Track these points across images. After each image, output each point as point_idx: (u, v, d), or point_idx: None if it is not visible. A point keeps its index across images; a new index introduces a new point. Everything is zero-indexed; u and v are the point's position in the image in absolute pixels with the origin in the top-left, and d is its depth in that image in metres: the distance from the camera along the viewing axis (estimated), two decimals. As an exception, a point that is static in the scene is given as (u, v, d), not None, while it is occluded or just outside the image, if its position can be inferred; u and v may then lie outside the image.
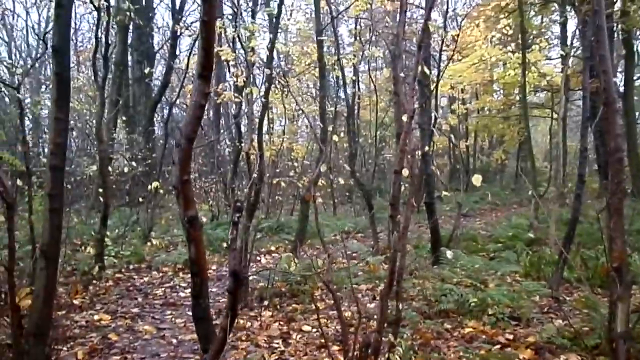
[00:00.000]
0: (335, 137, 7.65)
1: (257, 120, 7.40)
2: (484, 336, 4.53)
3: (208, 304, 2.25)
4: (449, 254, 5.80)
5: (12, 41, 21.75)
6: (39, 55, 16.28)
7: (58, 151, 3.77)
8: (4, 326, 4.23)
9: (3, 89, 12.68)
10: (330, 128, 8.59)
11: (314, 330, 4.89)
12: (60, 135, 3.78)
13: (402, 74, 9.65)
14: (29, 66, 16.15)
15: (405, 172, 3.69)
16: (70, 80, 3.89)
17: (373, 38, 13.14)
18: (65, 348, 4.30)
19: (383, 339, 3.50)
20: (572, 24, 14.07)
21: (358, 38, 13.18)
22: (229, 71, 14.58)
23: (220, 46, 11.85)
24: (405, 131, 3.39)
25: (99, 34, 7.87)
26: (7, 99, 18.65)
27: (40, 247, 3.77)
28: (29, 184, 5.63)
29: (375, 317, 4.86)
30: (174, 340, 4.71)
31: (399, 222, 3.55)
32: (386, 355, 3.57)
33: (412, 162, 4.08)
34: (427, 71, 5.73)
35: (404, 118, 3.61)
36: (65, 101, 3.81)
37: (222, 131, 18.21)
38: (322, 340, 4.60)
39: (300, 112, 17.59)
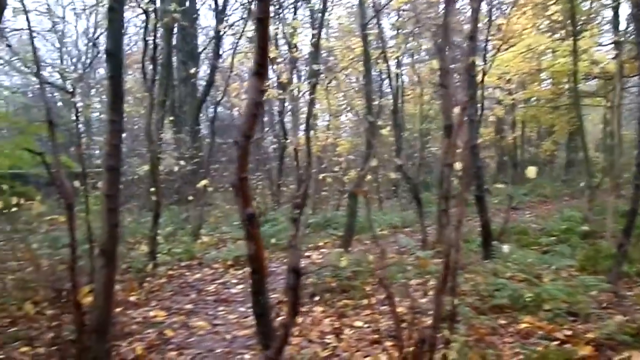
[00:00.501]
0: (384, 131, 7.60)
1: (302, 116, 7.42)
2: (540, 332, 4.42)
3: (267, 301, 2.27)
4: (505, 248, 5.67)
5: (62, 47, 22.47)
6: (90, 60, 16.79)
7: (114, 152, 3.87)
8: (66, 323, 4.38)
9: (56, 93, 13.17)
10: (378, 122, 8.54)
11: (366, 325, 4.88)
12: (116, 137, 3.87)
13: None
14: (79, 71, 16.66)
15: (457, 165, 3.63)
16: (123, 83, 3.98)
17: (416, 30, 12.99)
18: (124, 344, 4.41)
19: (438, 334, 3.46)
20: (625, 8, 13.55)
21: (401, 31, 13.04)
22: (273, 68, 14.69)
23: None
24: (457, 123, 3.32)
25: (147, 36, 8.03)
26: (59, 103, 19.33)
27: (100, 246, 3.88)
28: (84, 184, 5.80)
29: (428, 312, 4.83)
30: (228, 336, 4.78)
31: (452, 215, 3.49)
32: (442, 352, 3.52)
33: (464, 154, 4.02)
34: (476, 62, 5.62)
35: (456, 110, 3.54)
36: (120, 104, 3.91)
37: (266, 129, 18.38)
38: (375, 336, 4.60)
39: (343, 107, 17.58)
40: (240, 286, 6.57)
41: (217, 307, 5.75)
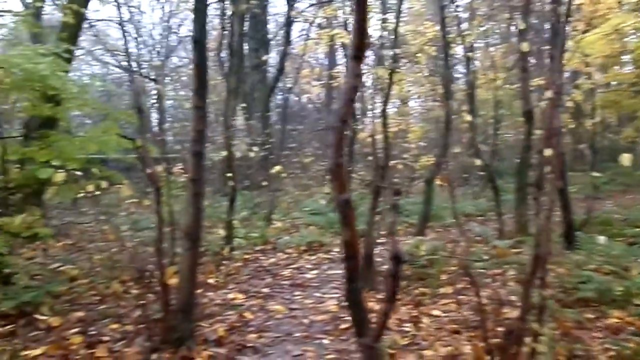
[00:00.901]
0: (466, 117, 7.42)
1: (375, 102, 7.34)
2: (631, 328, 4.21)
3: (361, 288, 2.26)
4: (601, 239, 5.43)
5: (139, 37, 23.25)
6: (167, 48, 17.28)
7: (199, 138, 3.96)
8: (150, 302, 4.55)
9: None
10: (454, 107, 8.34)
11: (444, 315, 4.80)
12: (201, 123, 3.96)
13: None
14: (154, 60, 17.18)
15: (549, 151, 3.48)
16: (208, 70, 4.05)
17: (491, 12, 12.58)
18: (206, 324, 4.53)
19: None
20: None
21: (476, 13, 12.65)
22: (345, 54, 14.64)
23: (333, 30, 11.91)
24: (551, 108, 3.18)
25: (223, 24, 8.15)
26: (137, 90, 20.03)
27: (185, 230, 3.99)
28: (166, 169, 5.99)
29: (509, 304, 4.70)
30: (305, 321, 4.82)
31: (543, 203, 3.36)
32: (529, 345, 3.41)
33: (553, 141, 3.84)
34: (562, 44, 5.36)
35: (548, 94, 3.39)
36: (205, 91, 3.99)
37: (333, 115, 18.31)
38: (455, 326, 4.52)
39: (413, 93, 17.30)
40: (315, 271, 6.62)
41: (292, 291, 5.82)
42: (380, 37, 12.52)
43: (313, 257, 7.36)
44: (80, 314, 4.88)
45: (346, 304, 2.36)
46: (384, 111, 6.32)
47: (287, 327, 4.66)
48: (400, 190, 2.88)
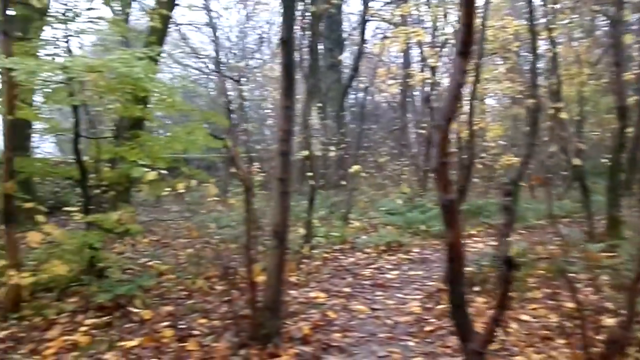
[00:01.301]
0: (556, 114, 7.12)
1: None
2: None
3: (464, 292, 2.19)
4: None
5: (217, 39, 23.89)
6: (251, 50, 17.68)
7: (286, 138, 3.99)
8: (236, 299, 4.64)
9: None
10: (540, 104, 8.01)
11: (534, 320, 4.62)
12: (288, 123, 4.00)
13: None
14: (240, 61, 17.62)
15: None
16: (295, 70, 4.08)
17: (578, 4, 12.00)
18: (290, 322, 4.57)
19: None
20: None
21: (561, 6, 12.11)
22: (420, 52, 14.44)
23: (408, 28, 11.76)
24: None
25: (302, 24, 8.21)
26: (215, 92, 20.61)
27: (273, 228, 4.04)
28: (250, 168, 6.10)
29: (605, 310, 4.46)
30: (389, 321, 4.77)
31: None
32: (634, 355, 3.22)
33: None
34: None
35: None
36: (292, 90, 4.02)
37: (408, 114, 18.18)
38: (546, 332, 4.34)
39: (489, 89, 16.79)
40: (395, 272, 6.55)
41: (374, 291, 5.78)
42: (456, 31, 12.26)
43: (393, 258, 7.28)
44: (169, 308, 5.05)
45: (448, 306, 2.30)
46: (470, 108, 6.14)
47: (370, 328, 4.63)
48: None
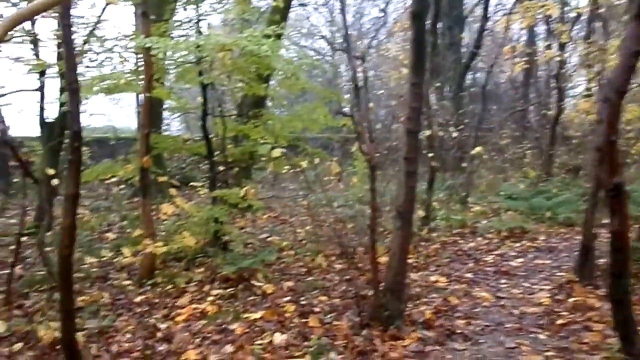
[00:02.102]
0: None
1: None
2: None
3: (629, 285, 1.98)
4: None
5: (332, 19, 23.92)
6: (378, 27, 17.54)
7: (414, 116, 3.86)
8: (355, 277, 4.61)
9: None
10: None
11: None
12: (417, 100, 3.85)
13: None
14: (363, 39, 17.53)
15: None
16: (426, 46, 3.92)
17: None
18: (411, 305, 4.47)
19: None
20: None
21: None
22: (549, 28, 13.53)
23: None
24: None
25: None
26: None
27: (397, 208, 3.94)
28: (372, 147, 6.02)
29: None
30: (516, 312, 4.52)
31: None
32: None
33: None
34: None
35: None
36: (422, 66, 3.87)
37: (531, 95, 17.19)
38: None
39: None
40: (520, 260, 6.22)
41: (498, 279, 5.51)
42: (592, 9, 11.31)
43: (516, 245, 6.92)
44: (290, 283, 5.14)
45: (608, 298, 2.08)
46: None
47: (496, 317, 4.41)
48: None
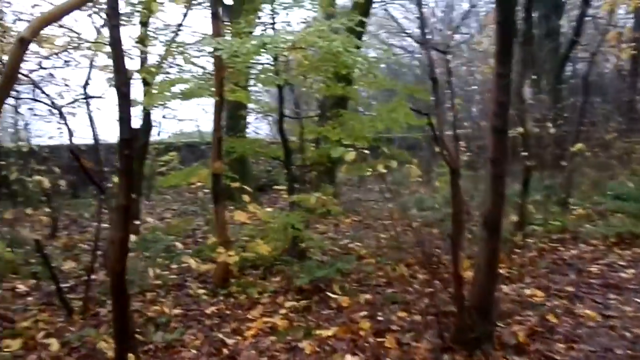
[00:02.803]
0: None
1: None
2: None
3: None
4: None
5: (421, 16, 23.18)
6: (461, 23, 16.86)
7: (501, 111, 3.39)
8: (439, 291, 4.18)
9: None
10: None
11: None
12: (504, 94, 3.38)
13: None
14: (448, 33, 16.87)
15: None
16: (514, 33, 3.43)
17: None
18: (502, 324, 3.98)
19: None
20: None
21: None
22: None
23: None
24: None
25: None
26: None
27: (483, 216, 3.49)
28: (456, 147, 5.53)
29: None
30: (628, 334, 3.91)
31: None
32: None
33: None
34: None
35: None
36: (509, 54, 3.39)
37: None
38: None
39: None
40: (631, 270, 5.48)
41: (605, 293, 4.85)
42: None
43: (627, 252, 6.14)
44: (368, 296, 4.78)
45: None
46: None
47: (603, 340, 3.83)
48: None
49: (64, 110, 5.98)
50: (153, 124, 8.51)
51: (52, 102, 4.53)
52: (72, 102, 6.09)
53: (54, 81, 7.63)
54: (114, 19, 2.74)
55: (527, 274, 5.47)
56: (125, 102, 2.73)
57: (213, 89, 5.09)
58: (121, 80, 2.73)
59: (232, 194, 11.30)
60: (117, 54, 2.72)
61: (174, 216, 10.18)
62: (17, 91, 7.86)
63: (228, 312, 4.61)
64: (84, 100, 6.63)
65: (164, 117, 12.31)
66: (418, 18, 16.00)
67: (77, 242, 7.59)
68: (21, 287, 5.63)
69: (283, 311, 4.51)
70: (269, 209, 10.35)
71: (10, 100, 7.23)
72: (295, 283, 5.01)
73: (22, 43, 2.32)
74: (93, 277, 6.05)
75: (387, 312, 4.39)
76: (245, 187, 5.36)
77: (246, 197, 5.11)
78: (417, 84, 17.08)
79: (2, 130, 14.03)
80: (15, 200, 8.11)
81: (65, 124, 4.01)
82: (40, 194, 8.53)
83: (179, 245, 5.96)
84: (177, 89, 5.38)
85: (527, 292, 4.85)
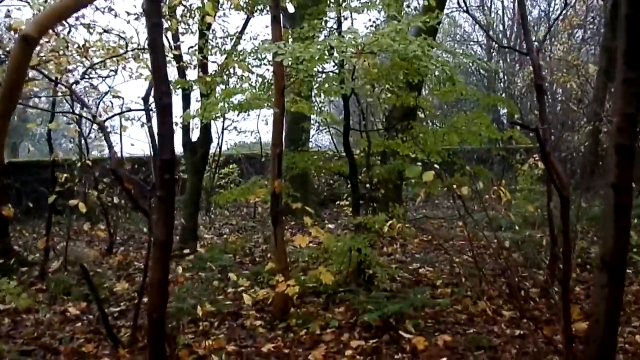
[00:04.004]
0: None
1: None
2: None
3: None
4: None
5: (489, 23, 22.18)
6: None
7: (628, 126, 2.71)
8: (533, 335, 3.50)
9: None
10: None
11: None
12: (631, 103, 2.70)
13: None
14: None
15: None
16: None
17: None
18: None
19: None
20: None
21: None
22: None
23: None
24: None
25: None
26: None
27: (602, 257, 2.81)
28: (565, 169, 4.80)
29: None
30: None
31: None
32: None
33: None
34: None
35: None
36: (638, 55, 2.71)
37: None
38: None
39: None
40: None
41: None
42: None
43: None
44: (446, 337, 4.12)
45: None
46: None
47: None
48: None
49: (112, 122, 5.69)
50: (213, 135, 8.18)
51: (93, 116, 4.17)
52: (113, 116, 5.74)
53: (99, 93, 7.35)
54: (154, 16, 2.27)
55: (633, 313, 4.65)
56: (165, 116, 2.26)
57: (272, 99, 4.60)
58: (162, 90, 2.26)
59: (294, 210, 10.87)
60: (157, 59, 2.25)
61: (232, 232, 9.80)
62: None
63: (286, 350, 4.08)
64: (145, 112, 6.29)
65: (224, 129, 12.08)
66: (492, 23, 15.14)
67: (133, 260, 7.28)
68: (72, 311, 5.31)
69: (349, 352, 3.94)
70: (330, 226, 9.86)
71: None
72: (362, 318, 4.42)
73: (27, 42, 1.88)
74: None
75: (471, 359, 3.74)
76: (307, 207, 4.81)
77: (307, 220, 4.57)
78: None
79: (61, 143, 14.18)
80: (72, 216, 7.90)
81: (107, 139, 3.62)
82: (98, 208, 8.33)
83: (232, 276, 5.43)
84: (235, 100, 4.93)
85: (638, 338, 4.06)
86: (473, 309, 4.78)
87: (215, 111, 4.95)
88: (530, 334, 4.09)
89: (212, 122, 7.38)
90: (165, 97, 2.27)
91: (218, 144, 12.33)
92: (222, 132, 11.97)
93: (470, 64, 19.34)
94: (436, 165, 7.87)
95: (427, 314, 4.71)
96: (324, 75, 5.49)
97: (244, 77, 5.91)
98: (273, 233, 4.73)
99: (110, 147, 3.26)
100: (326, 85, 5.49)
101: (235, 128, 12.35)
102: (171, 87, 3.62)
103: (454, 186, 5.17)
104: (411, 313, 4.53)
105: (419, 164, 5.74)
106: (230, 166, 13.16)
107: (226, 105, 4.84)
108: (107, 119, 4.92)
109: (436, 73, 4.42)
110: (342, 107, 6.56)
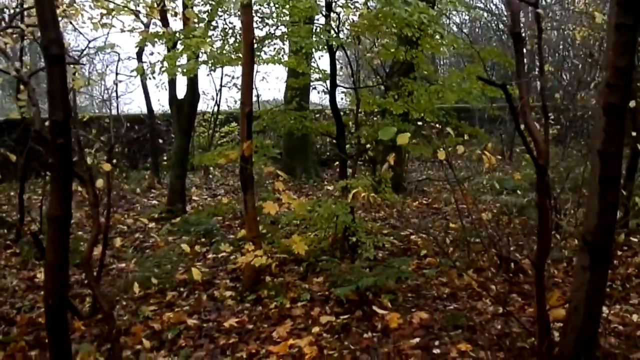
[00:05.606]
0: None
1: None
2: None
3: None
4: None
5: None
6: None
7: (619, 81, 2.28)
8: (514, 314, 3.16)
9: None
10: None
11: None
12: (624, 55, 2.27)
13: None
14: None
15: None
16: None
17: None
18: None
19: None
20: None
21: None
22: None
23: None
24: None
25: None
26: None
27: (584, 235, 2.42)
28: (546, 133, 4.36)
29: None
30: None
31: None
32: None
33: None
34: None
35: None
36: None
37: None
38: None
39: None
40: None
41: None
42: None
43: None
44: (423, 314, 3.78)
45: None
46: None
47: None
48: None
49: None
50: (200, 92, 7.76)
51: (17, 70, 3.78)
52: (37, 71, 5.27)
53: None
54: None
55: (633, 289, 4.27)
56: (54, 69, 1.89)
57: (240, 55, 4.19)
58: (49, 38, 1.88)
59: (293, 169, 10.51)
60: (41, 2, 1.87)
61: (227, 193, 9.51)
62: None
63: (250, 326, 3.80)
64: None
65: (222, 86, 11.68)
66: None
67: (116, 222, 7.01)
68: (40, 277, 5.07)
69: (316, 329, 3.63)
70: (329, 187, 9.49)
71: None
72: (336, 291, 4.10)
73: None
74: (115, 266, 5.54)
75: (446, 340, 3.40)
76: (280, 172, 4.43)
77: (279, 185, 4.21)
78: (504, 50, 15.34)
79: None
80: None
81: (30, 96, 3.26)
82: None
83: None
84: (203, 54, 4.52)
85: (635, 317, 3.69)
86: (459, 281, 4.43)
87: (182, 67, 4.54)
88: (515, 311, 3.77)
89: (211, 79, 7.00)
90: (53, 47, 1.89)
91: (216, 101, 11.96)
92: (220, 90, 11.57)
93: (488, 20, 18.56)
94: (438, 125, 7.46)
95: (407, 287, 4.38)
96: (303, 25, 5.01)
97: (226, 31, 5.49)
98: (243, 199, 4.39)
99: (35, 104, 2.92)
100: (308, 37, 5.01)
101: (235, 85, 11.94)
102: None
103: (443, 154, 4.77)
104: (390, 286, 4.20)
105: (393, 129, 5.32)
106: (231, 125, 12.80)
107: (191, 60, 4.42)
108: (32, 73, 4.52)
109: (415, 23, 3.92)
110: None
